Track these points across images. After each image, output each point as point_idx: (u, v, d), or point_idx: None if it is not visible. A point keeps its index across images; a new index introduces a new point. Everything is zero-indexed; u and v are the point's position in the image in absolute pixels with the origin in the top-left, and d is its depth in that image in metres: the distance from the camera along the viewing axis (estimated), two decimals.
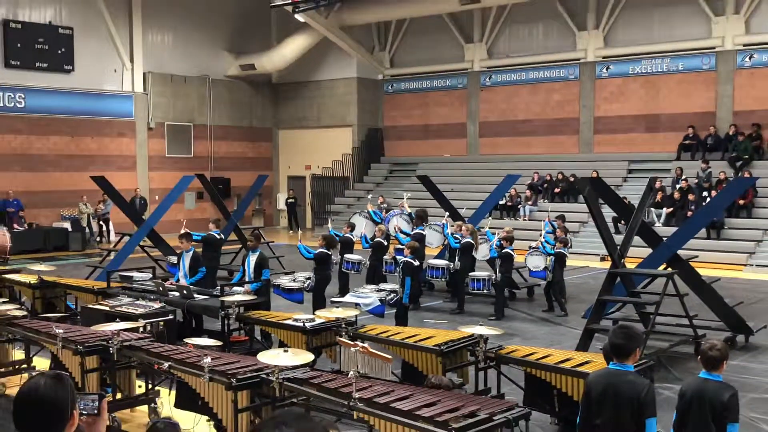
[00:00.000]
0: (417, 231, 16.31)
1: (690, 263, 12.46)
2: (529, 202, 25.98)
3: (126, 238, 18.84)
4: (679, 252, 12.34)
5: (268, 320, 9.96)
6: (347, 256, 15.47)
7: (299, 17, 28.88)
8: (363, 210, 18.93)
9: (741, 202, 22.15)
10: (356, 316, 9.57)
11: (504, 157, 28.83)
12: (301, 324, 9.20)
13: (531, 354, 8.08)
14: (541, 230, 16.90)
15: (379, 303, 11.96)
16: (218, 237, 15.92)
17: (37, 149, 26.65)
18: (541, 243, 15.39)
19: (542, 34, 28.68)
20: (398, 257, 14.01)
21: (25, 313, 10.24)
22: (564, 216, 18.19)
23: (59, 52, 26.81)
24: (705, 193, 22.38)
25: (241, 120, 32.93)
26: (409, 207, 18.06)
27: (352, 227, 16.65)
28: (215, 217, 18.04)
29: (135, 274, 13.07)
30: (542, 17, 28.35)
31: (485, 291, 14.60)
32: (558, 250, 15.01)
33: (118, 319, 9.30)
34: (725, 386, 5.44)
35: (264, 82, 33.67)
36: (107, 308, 10.21)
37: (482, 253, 15.95)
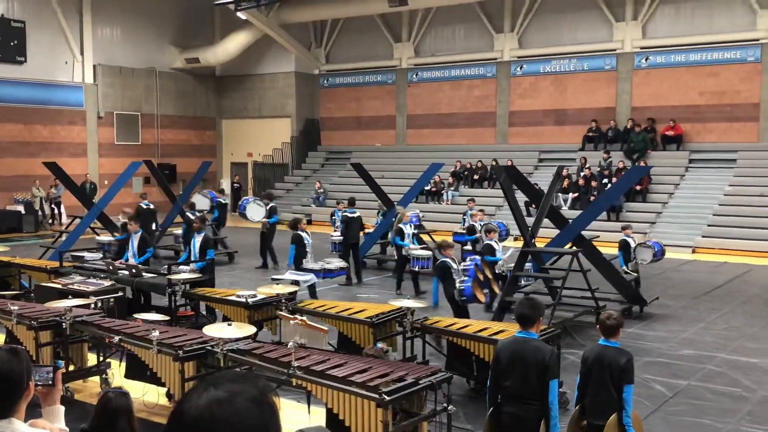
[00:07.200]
0: (347, 214, 16.39)
1: (592, 242, 12.78)
2: (452, 188, 26.26)
3: (77, 221, 18.35)
4: (583, 232, 12.63)
5: (213, 296, 9.85)
6: None
7: (241, 15, 28.46)
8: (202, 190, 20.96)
9: (637, 188, 22.79)
10: (295, 291, 9.55)
11: (429, 147, 29.02)
12: (243, 299, 9.14)
13: (452, 324, 8.19)
14: (465, 216, 17.23)
15: (315, 279, 12.00)
16: (145, 207, 17.35)
17: None
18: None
19: (463, 35, 28.89)
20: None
21: None
22: (474, 199, 18.53)
23: (12, 44, 25.81)
24: (606, 180, 22.95)
25: (186, 110, 32.31)
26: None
27: (192, 205, 18.02)
28: (142, 192, 19.69)
29: (86, 254, 12.77)
30: (463, 20, 28.56)
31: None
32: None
33: (70, 296, 9.08)
34: (622, 351, 5.60)
35: (208, 74, 33.09)
36: (60, 286, 9.97)
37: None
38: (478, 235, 15.12)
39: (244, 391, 1.63)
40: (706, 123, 24.05)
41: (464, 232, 16.32)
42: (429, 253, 14.29)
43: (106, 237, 16.16)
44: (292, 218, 13.76)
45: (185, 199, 20.22)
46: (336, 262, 13.36)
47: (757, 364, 9.53)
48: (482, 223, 15.37)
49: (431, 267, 13.75)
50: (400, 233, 14.92)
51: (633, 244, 13.32)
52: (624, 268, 12.92)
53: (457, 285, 9.98)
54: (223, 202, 20.65)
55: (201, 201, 19.30)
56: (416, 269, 13.94)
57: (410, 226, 15.28)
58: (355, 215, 16.41)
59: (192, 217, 17.00)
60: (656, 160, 23.57)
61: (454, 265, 10.24)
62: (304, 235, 12.83)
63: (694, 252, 19.85)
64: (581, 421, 5.73)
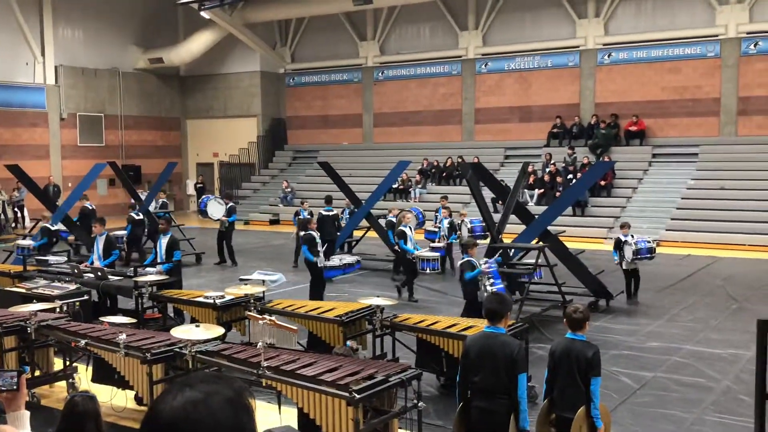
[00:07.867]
0: (323, 212, 16.48)
1: (558, 237, 12.91)
2: (419, 186, 26.32)
3: (40, 224, 18.07)
4: (549, 228, 12.74)
5: (180, 298, 9.77)
6: None
7: (205, 14, 28.23)
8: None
9: (602, 183, 23.06)
10: (263, 291, 9.51)
11: (396, 144, 29.08)
12: (211, 301, 9.08)
13: (421, 321, 8.21)
14: (437, 213, 17.30)
15: (285, 279, 11.99)
16: (90, 208, 18.10)
17: None
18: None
19: (428, 33, 28.98)
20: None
21: None
22: (447, 197, 18.60)
23: None
24: (571, 176, 23.18)
25: (150, 110, 31.94)
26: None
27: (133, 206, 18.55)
28: (84, 194, 19.75)
29: (50, 258, 12.57)
30: (428, 18, 28.64)
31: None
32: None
33: (34, 301, 8.94)
34: (589, 345, 5.66)
35: (172, 74, 32.74)
36: (24, 290, 9.81)
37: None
38: (458, 233, 15.26)
39: (220, 391, 1.61)
40: (668, 118, 24.42)
41: (435, 230, 16.41)
42: (437, 254, 13.81)
43: (26, 242, 15.99)
44: (302, 219, 13.63)
45: (150, 201, 20.07)
46: (348, 258, 13.41)
47: (721, 354, 9.71)
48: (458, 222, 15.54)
49: (440, 269, 13.78)
50: (403, 236, 13.76)
51: (623, 241, 13.41)
52: (618, 263, 13.14)
53: (488, 288, 9.54)
54: (166, 202, 21.71)
55: None
56: (426, 271, 13.53)
57: (410, 228, 14.10)
58: (331, 213, 16.48)
59: (136, 217, 17.24)
60: (620, 155, 23.87)
61: (482, 267, 9.83)
62: (315, 235, 12.30)
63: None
64: (550, 414, 5.79)
